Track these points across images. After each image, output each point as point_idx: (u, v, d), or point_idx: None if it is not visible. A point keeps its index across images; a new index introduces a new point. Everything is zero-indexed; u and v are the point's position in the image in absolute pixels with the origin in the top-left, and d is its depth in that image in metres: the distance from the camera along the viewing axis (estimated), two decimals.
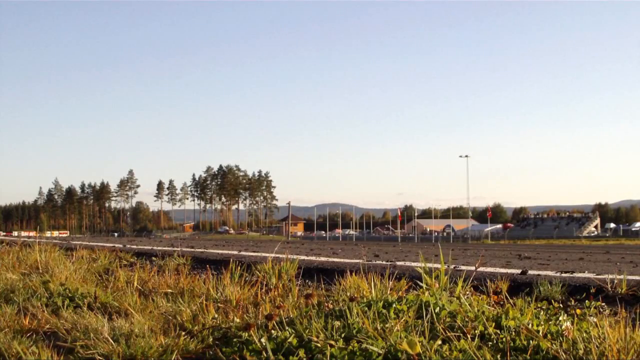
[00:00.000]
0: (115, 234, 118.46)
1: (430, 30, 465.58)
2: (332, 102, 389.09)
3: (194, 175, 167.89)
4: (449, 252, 11.81)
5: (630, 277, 4.78)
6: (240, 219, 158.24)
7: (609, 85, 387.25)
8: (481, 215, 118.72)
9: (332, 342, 2.48)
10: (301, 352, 2.46)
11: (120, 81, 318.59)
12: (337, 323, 2.71)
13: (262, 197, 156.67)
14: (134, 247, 14.24)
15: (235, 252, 10.90)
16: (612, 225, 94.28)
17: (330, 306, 3.09)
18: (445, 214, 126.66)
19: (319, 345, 2.49)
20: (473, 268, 4.26)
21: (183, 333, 2.87)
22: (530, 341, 2.46)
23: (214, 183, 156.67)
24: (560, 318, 2.79)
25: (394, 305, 2.92)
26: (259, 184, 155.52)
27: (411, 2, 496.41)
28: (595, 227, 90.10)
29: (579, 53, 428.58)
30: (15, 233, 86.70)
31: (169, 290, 4.23)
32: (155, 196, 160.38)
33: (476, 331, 2.64)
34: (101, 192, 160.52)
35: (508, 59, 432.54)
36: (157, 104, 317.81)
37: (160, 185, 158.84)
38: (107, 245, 14.27)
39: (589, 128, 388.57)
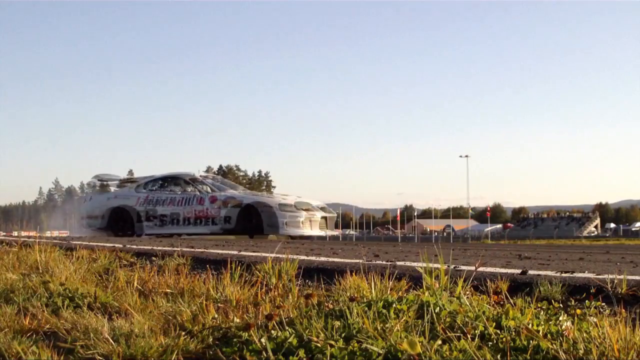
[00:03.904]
0: None
1: (430, 30, 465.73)
2: (332, 102, 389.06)
3: None
4: (449, 252, 11.79)
5: (630, 277, 4.77)
6: None
7: (609, 86, 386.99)
8: (481, 215, 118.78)
9: (332, 342, 2.48)
10: (301, 352, 2.45)
11: (120, 81, 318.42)
12: (337, 323, 2.71)
13: None
14: (134, 247, 14.22)
15: (235, 252, 10.89)
16: (612, 225, 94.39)
17: (330, 306, 3.09)
18: (445, 214, 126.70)
19: (319, 345, 2.48)
20: (473, 268, 4.26)
21: (183, 333, 2.86)
22: (531, 341, 2.46)
23: None
24: (561, 318, 2.79)
25: (394, 305, 2.92)
26: (259, 184, 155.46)
27: (411, 2, 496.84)
28: (596, 227, 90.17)
29: (579, 53, 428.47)
30: (15, 233, 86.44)
31: (169, 290, 4.22)
32: None
33: (476, 331, 2.64)
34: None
35: (508, 59, 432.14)
36: (157, 104, 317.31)
37: None
38: (107, 245, 14.25)
39: (589, 128, 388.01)
